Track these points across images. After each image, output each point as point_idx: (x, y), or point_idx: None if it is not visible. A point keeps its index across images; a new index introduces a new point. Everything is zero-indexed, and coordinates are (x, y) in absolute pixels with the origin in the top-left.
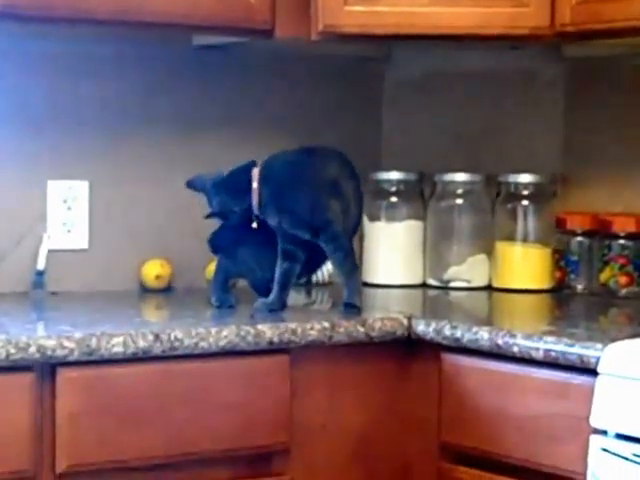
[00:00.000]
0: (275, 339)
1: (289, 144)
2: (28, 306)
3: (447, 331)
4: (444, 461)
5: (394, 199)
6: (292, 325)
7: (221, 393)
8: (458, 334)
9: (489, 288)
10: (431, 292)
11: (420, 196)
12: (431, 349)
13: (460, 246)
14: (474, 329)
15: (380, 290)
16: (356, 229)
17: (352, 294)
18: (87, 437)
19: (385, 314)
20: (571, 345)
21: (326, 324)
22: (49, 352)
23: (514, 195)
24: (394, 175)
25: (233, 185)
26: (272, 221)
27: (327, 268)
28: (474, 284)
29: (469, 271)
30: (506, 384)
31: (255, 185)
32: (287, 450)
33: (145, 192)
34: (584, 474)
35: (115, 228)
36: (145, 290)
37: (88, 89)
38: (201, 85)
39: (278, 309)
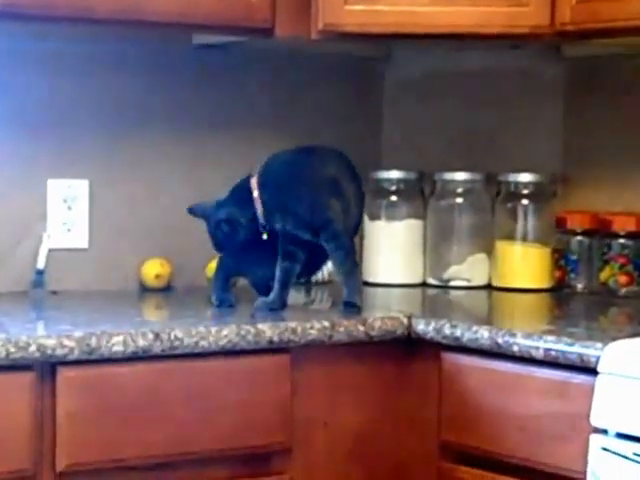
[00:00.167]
0: (275, 338)
1: (289, 143)
2: (28, 305)
3: (447, 330)
4: (444, 460)
5: (394, 198)
6: (292, 324)
7: (221, 392)
8: (458, 333)
9: (489, 287)
10: (431, 291)
11: (420, 195)
12: (431, 348)
13: (460, 245)
14: (474, 328)
15: (380, 289)
16: (357, 229)
17: (352, 293)
18: (87, 436)
19: (385, 313)
20: (571, 344)
21: (326, 323)
22: (49, 351)
23: (514, 194)
24: (394, 174)
25: (236, 199)
26: (278, 226)
27: (327, 267)
28: (474, 283)
29: (469, 270)
30: (506, 383)
31: (256, 194)
32: (287, 449)
33: (145, 191)
34: (584, 473)
35: (115, 227)
36: (145, 289)
37: (88, 88)
38: (201, 84)
39: (278, 308)
